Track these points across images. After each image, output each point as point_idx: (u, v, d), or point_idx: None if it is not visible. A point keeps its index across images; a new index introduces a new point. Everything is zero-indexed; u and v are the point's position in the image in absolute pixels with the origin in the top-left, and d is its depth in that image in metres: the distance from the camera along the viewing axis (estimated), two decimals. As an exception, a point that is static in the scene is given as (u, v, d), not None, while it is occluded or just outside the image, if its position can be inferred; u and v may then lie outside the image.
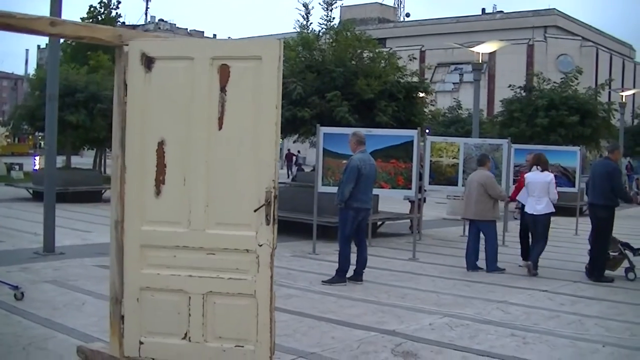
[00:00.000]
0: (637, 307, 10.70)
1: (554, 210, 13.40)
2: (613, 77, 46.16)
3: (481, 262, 13.50)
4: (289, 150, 56.89)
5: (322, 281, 11.67)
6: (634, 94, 49.09)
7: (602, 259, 12.86)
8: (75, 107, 25.27)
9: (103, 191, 26.57)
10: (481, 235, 13.56)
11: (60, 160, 21.31)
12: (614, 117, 32.56)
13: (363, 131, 12.96)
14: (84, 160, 45.11)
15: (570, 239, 18.92)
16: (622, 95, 37.54)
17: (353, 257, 11.83)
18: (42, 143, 30.90)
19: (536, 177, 13.32)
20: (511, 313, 9.93)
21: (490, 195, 13.38)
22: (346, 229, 11.74)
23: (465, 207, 13.80)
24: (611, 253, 13.08)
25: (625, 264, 13.07)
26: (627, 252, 13.07)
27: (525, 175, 13.79)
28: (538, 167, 13.46)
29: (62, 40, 21.07)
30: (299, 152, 58.38)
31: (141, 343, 6.20)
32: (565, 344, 8.35)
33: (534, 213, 13.26)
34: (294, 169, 52.56)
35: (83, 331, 7.97)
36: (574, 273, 13.42)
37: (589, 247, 13.17)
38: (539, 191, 13.15)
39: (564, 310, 10.24)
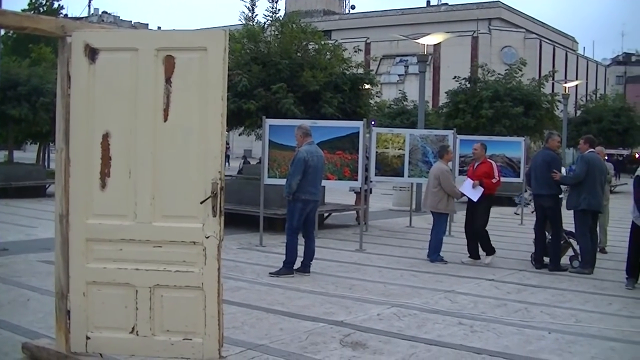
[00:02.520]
0: (581, 294, 10.88)
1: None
2: (556, 69, 46.72)
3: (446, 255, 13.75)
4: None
5: (270, 273, 11.66)
6: (576, 85, 49.83)
7: (557, 248, 13.00)
8: (17, 101, 24.76)
9: (47, 186, 26.13)
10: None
11: (2, 155, 20.98)
12: (557, 108, 33.08)
13: (308, 123, 12.97)
14: (27, 154, 44.46)
15: (515, 229, 19.19)
16: (565, 87, 38.12)
17: (300, 249, 11.84)
18: (-17, 138, 30.41)
19: None
20: (458, 302, 10.02)
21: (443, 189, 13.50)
22: (294, 221, 11.72)
23: (424, 198, 13.99)
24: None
25: (570, 252, 13.28)
26: (571, 240, 13.27)
27: None
28: None
29: (2, 32, 20.70)
30: (227, 144, 58.54)
31: (88, 338, 6.12)
32: (512, 331, 8.46)
33: None
34: (241, 162, 52.52)
35: (28, 328, 7.85)
36: (519, 262, 13.61)
37: (534, 236, 13.36)
38: None
39: (510, 299, 10.37)
